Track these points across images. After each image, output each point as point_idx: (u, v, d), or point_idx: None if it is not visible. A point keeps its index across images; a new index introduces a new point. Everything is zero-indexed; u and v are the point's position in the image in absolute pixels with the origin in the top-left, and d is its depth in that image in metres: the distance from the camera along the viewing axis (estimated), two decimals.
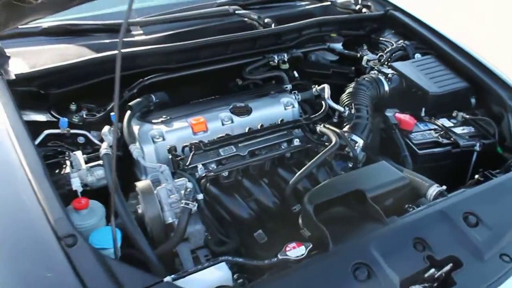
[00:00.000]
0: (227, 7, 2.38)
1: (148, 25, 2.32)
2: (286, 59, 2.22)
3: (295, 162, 1.74)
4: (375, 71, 2.13)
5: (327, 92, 1.93)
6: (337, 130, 1.74)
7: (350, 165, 1.73)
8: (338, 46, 2.44)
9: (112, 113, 1.83)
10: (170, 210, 1.50)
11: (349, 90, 1.99)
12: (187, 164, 1.62)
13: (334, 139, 1.66)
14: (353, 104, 1.88)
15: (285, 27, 2.32)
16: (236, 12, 2.38)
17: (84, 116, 1.86)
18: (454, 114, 1.97)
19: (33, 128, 1.63)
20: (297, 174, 1.58)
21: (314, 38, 2.44)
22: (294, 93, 2.03)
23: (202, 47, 2.13)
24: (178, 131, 1.78)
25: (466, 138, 1.83)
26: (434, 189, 1.53)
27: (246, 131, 1.78)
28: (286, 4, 2.67)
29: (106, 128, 1.73)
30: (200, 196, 1.56)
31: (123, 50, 1.98)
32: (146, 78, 1.99)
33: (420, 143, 1.81)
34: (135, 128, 1.78)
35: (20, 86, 1.84)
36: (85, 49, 2.17)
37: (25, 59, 2.05)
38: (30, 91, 1.89)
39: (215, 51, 2.18)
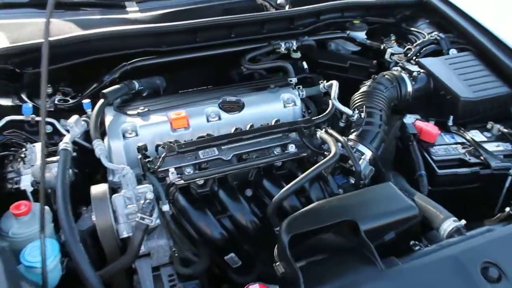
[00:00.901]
0: None
1: (145, 1, 2.07)
2: (295, 47, 1.91)
3: (287, 173, 1.47)
4: (399, 67, 1.80)
5: (334, 90, 1.62)
6: (340, 138, 1.45)
7: (352, 181, 1.44)
8: (361, 35, 2.10)
9: (84, 101, 1.61)
10: (126, 222, 1.27)
11: (363, 88, 1.68)
12: (156, 167, 1.38)
13: (334, 149, 1.37)
14: (364, 107, 1.57)
15: (301, 10, 2.01)
16: None
17: (56, 102, 1.66)
18: (489, 126, 1.62)
19: None
20: (283, 190, 1.31)
21: (333, 24, 2.11)
22: (298, 88, 1.74)
23: (199, 28, 1.87)
24: (155, 126, 1.54)
25: (500, 158, 1.48)
26: (449, 224, 1.22)
27: (233, 131, 1.52)
28: None
29: (73, 118, 1.51)
30: (166, 207, 1.33)
31: (111, 29, 1.76)
32: (129, 62, 1.75)
33: (442, 160, 1.49)
34: (107, 120, 1.55)
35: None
36: (72, 24, 1.96)
37: (6, 33, 1.87)
38: (6, 70, 1.69)
39: (215, 34, 1.91)
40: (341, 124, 1.64)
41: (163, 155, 1.40)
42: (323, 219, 1.12)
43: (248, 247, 1.38)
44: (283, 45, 1.89)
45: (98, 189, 1.30)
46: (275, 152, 1.50)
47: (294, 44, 1.91)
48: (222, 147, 1.47)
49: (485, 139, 1.57)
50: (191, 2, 2.09)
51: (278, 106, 1.66)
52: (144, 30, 1.81)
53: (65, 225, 1.14)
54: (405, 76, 1.72)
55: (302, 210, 1.17)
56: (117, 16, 2.01)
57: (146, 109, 1.58)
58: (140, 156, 1.41)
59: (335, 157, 1.35)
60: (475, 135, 1.58)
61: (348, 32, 2.05)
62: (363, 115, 1.55)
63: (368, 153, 1.48)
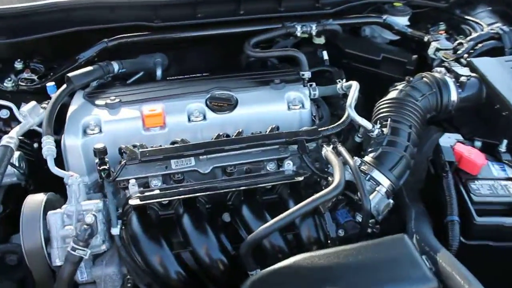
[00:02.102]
0: None
1: None
2: (315, 32, 1.55)
3: (275, 199, 1.15)
4: (443, 68, 1.40)
5: (352, 95, 1.26)
6: (350, 160, 1.11)
7: (360, 219, 1.10)
8: (401, 21, 1.70)
9: (49, 84, 1.34)
10: (62, 247, 1.02)
11: (392, 94, 1.31)
12: (115, 176, 1.11)
13: (338, 177, 1.03)
14: (389, 120, 1.21)
15: None
16: None
17: (19, 82, 1.41)
18: None
19: None
20: (263, 226, 1.01)
21: (369, 5, 1.72)
22: (310, 85, 1.40)
23: (200, 1, 1.56)
24: (123, 123, 1.26)
25: None
26: None
27: (214, 135, 1.21)
28: None
29: (29, 105, 1.27)
30: (116, 231, 1.06)
31: None
32: (110, 38, 1.47)
33: (484, 202, 1.11)
34: (69, 110, 1.28)
35: None
36: None
37: None
38: None
39: (219, 10, 1.59)
40: (357, 139, 1.29)
41: (122, 162, 1.12)
42: (299, 285, 0.81)
43: None
44: (299, 28, 1.53)
45: (31, 201, 1.04)
46: (267, 168, 1.19)
47: (314, 28, 1.54)
48: (200, 157, 1.17)
49: None
50: None
51: (281, 107, 1.33)
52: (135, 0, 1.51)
53: None
54: (449, 80, 1.33)
55: (274, 267, 0.86)
56: None
57: (117, 100, 1.30)
58: (97, 160, 1.14)
59: (337, 190, 1.02)
60: None
61: (385, 16, 1.65)
62: (386, 130, 1.19)
63: (385, 183, 1.13)
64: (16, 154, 1.20)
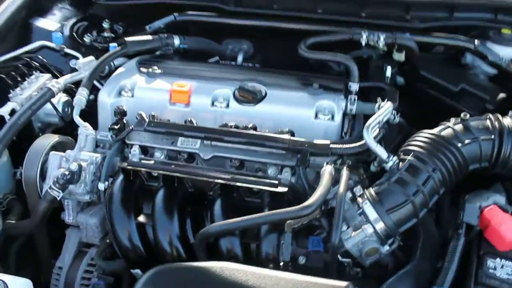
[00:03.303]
0: None
1: None
2: (382, 43, 1.38)
3: (256, 204, 1.08)
4: None
5: (375, 116, 1.09)
6: (341, 186, 0.97)
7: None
8: (508, 52, 1.41)
9: (112, 44, 1.48)
10: (55, 188, 1.11)
11: (437, 128, 1.10)
12: (120, 137, 1.18)
13: (314, 198, 0.93)
14: (411, 155, 1.02)
15: None
16: None
17: (96, 39, 1.57)
18: None
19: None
20: (220, 222, 0.97)
21: (471, 28, 1.47)
22: (352, 98, 1.26)
23: None
24: (153, 92, 1.32)
25: None
26: None
27: (232, 125, 1.19)
28: None
29: (86, 59, 1.42)
30: (101, 186, 1.13)
31: None
32: (180, 13, 1.54)
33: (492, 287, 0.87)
34: (117, 71, 1.39)
35: None
36: None
37: None
38: None
39: (297, 5, 1.53)
40: (373, 168, 1.12)
41: (130, 127, 1.18)
42: None
43: None
44: (364, 35, 1.38)
45: (42, 140, 1.18)
46: (268, 172, 1.12)
47: (382, 39, 1.38)
48: (205, 142, 1.17)
49: None
50: None
51: (308, 113, 1.23)
52: None
53: None
54: None
55: (184, 264, 0.82)
56: None
57: (159, 71, 1.36)
58: (116, 117, 1.22)
59: (305, 210, 0.92)
60: None
61: (477, 42, 1.38)
62: (401, 164, 1.01)
63: (377, 224, 0.96)
64: (64, 99, 1.35)
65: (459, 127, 1.08)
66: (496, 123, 1.07)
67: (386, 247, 1.01)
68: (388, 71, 1.38)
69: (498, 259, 0.92)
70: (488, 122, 1.08)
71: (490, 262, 0.91)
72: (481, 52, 1.38)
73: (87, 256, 1.20)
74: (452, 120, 1.11)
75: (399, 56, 1.50)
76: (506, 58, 1.40)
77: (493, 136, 1.06)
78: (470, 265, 0.92)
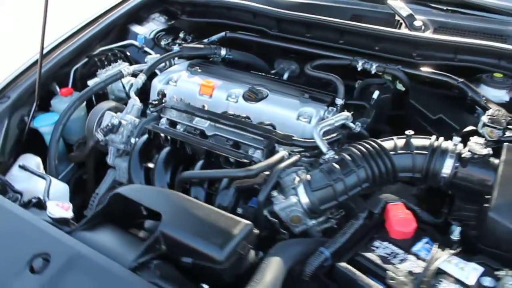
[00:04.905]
0: None
1: None
2: (374, 70, 1.64)
3: None
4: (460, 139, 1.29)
5: (329, 121, 1.36)
6: (284, 163, 1.29)
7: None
8: (498, 94, 1.55)
9: (174, 47, 1.96)
10: (100, 132, 1.60)
11: (381, 139, 1.33)
12: (156, 109, 1.63)
13: (255, 166, 1.27)
14: (346, 152, 1.28)
15: (435, 39, 1.67)
16: (389, 1, 1.86)
17: (168, 43, 2.09)
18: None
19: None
20: (193, 171, 1.36)
21: (471, 71, 1.64)
22: (330, 109, 1.55)
23: (311, 24, 1.86)
24: (189, 84, 1.76)
25: None
26: None
27: (230, 113, 1.57)
28: (491, 16, 1.81)
29: (154, 55, 1.91)
30: (133, 140, 1.59)
31: (244, 2, 2.01)
32: (230, 32, 1.98)
33: (368, 260, 1.08)
34: (172, 67, 1.87)
35: (174, 5, 2.23)
36: None
37: None
38: (174, 11, 2.25)
39: (324, 35, 1.86)
40: (321, 161, 1.39)
41: (162, 104, 1.63)
42: (148, 199, 1.14)
43: None
44: (360, 63, 1.65)
45: (103, 103, 1.69)
46: (249, 152, 1.47)
47: (374, 67, 1.63)
48: (210, 123, 1.56)
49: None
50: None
51: (292, 115, 1.55)
52: (265, 10, 1.92)
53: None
54: (451, 150, 1.24)
55: (145, 186, 1.22)
56: None
57: (200, 70, 1.81)
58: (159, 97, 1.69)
59: (248, 172, 1.25)
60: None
61: (461, 80, 1.55)
62: (336, 156, 1.28)
63: (303, 198, 1.25)
64: (131, 81, 1.86)
65: (400, 140, 1.30)
66: (435, 143, 1.27)
67: (313, 221, 1.28)
68: (375, 94, 1.63)
69: (386, 243, 1.13)
70: (427, 141, 1.29)
71: (377, 242, 1.12)
72: (462, 88, 1.54)
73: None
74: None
75: (400, 86, 1.73)
76: (497, 100, 1.54)
77: (426, 152, 1.26)
78: (361, 242, 1.14)
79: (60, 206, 1.18)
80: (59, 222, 1.15)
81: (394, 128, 1.63)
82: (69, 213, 1.16)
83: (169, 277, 1.03)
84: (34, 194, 1.31)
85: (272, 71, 1.98)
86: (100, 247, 1.07)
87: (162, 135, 1.54)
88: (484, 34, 1.74)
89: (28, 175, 1.41)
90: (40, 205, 1.26)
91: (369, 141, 1.30)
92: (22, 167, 1.43)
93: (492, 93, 1.56)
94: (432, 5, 1.92)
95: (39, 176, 1.39)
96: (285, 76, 1.94)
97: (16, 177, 1.42)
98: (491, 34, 1.73)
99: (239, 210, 1.30)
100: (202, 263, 1.03)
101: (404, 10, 1.82)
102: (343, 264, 1.08)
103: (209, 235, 1.04)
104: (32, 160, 1.52)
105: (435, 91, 1.65)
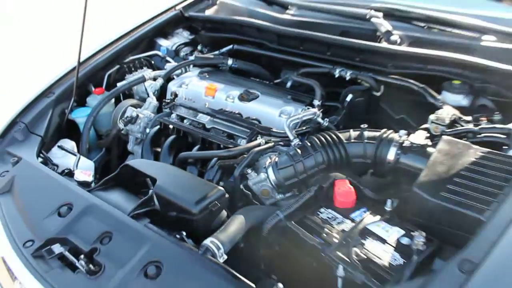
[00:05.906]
0: (368, 11, 2.17)
1: (302, 8, 2.48)
2: (348, 77, 1.93)
3: None
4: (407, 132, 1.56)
5: (297, 116, 1.68)
6: (258, 148, 1.61)
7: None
8: (456, 98, 1.79)
9: (190, 58, 2.34)
10: (121, 123, 1.99)
11: (341, 131, 1.62)
12: (168, 106, 2.00)
13: (235, 148, 1.60)
14: (307, 139, 1.58)
15: (407, 51, 1.93)
16: (372, 19, 2.14)
17: (186, 53, 2.47)
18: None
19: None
20: (186, 152, 1.71)
21: (437, 79, 1.88)
22: (306, 108, 1.85)
23: (304, 39, 2.17)
24: (197, 87, 2.12)
25: None
26: None
27: (228, 111, 1.91)
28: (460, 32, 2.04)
29: (172, 64, 2.30)
30: (147, 130, 1.97)
31: (251, 20, 2.36)
32: (237, 45, 2.33)
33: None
34: (186, 73, 2.25)
35: (195, 22, 2.63)
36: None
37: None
38: (195, 27, 2.64)
39: (315, 48, 2.17)
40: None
41: (173, 102, 2.00)
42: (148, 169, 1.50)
43: None
44: (337, 71, 1.95)
45: (127, 100, 2.10)
46: (240, 142, 1.80)
47: (348, 74, 1.92)
48: (210, 118, 1.91)
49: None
50: (328, 18, 2.33)
51: (275, 112, 1.86)
52: (270, 28, 2.24)
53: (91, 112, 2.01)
54: (395, 140, 1.51)
55: (148, 160, 1.58)
56: (274, 14, 2.51)
57: (207, 76, 2.17)
58: (171, 97, 2.07)
59: (226, 153, 1.59)
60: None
61: (422, 85, 1.80)
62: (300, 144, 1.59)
63: (271, 175, 1.55)
64: (152, 84, 2.25)
65: (355, 132, 1.59)
66: (383, 135, 1.55)
67: (281, 195, 1.58)
68: (348, 97, 1.91)
69: (329, 210, 1.41)
70: (377, 133, 1.56)
71: (322, 209, 1.41)
72: (421, 93, 1.80)
73: None
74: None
75: (377, 92, 2.01)
76: (455, 103, 1.78)
77: (375, 142, 1.54)
78: (311, 209, 1.43)
79: (84, 173, 1.55)
80: (82, 184, 1.52)
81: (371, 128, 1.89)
82: (90, 178, 1.54)
83: (157, 225, 1.37)
84: (67, 166, 1.70)
85: (277, 80, 2.29)
86: (110, 201, 1.43)
87: (170, 126, 1.90)
88: (454, 47, 1.98)
89: (64, 154, 1.81)
90: (70, 174, 1.65)
91: (329, 132, 1.60)
92: (60, 147, 1.83)
93: (451, 98, 1.79)
94: (414, 22, 2.18)
95: (72, 154, 1.78)
96: (289, 84, 2.25)
97: (55, 154, 1.81)
98: (460, 48, 1.97)
99: (221, 184, 1.63)
100: (182, 215, 1.36)
101: (384, 26, 2.09)
102: (293, 223, 1.37)
103: (189, 195, 1.37)
104: (69, 144, 1.91)
105: (403, 96, 1.90)
